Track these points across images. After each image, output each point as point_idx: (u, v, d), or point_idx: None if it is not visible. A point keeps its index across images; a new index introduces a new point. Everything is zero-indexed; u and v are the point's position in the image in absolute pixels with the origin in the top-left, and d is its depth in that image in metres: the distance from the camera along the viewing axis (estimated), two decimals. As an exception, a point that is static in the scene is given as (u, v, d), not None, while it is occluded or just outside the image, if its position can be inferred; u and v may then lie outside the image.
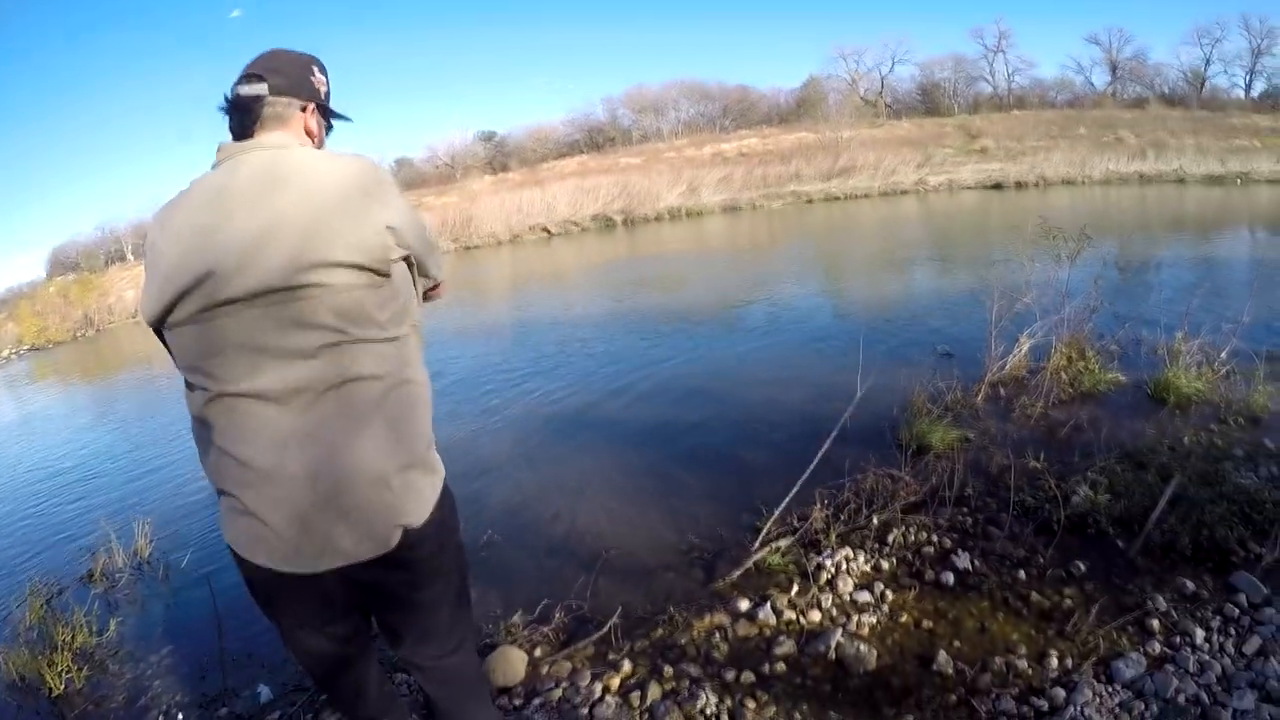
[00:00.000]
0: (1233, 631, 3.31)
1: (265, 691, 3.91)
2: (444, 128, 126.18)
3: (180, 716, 3.89)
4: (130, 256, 48.47)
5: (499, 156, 62.76)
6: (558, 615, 4.13)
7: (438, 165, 63.03)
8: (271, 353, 1.90)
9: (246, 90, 2.07)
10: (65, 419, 12.93)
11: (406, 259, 2.09)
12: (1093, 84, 61.77)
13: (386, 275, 1.96)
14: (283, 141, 2.04)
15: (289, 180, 1.91)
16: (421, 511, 2.07)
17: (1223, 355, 5.98)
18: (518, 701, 3.52)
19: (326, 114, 2.27)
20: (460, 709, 2.54)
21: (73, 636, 4.51)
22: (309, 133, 2.17)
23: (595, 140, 62.98)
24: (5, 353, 26.10)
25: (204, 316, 1.91)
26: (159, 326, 2.01)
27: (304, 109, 2.15)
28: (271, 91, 2.07)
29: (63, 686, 4.21)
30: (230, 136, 2.11)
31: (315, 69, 2.21)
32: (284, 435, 1.92)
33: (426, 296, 2.34)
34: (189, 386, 2.04)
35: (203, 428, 2.05)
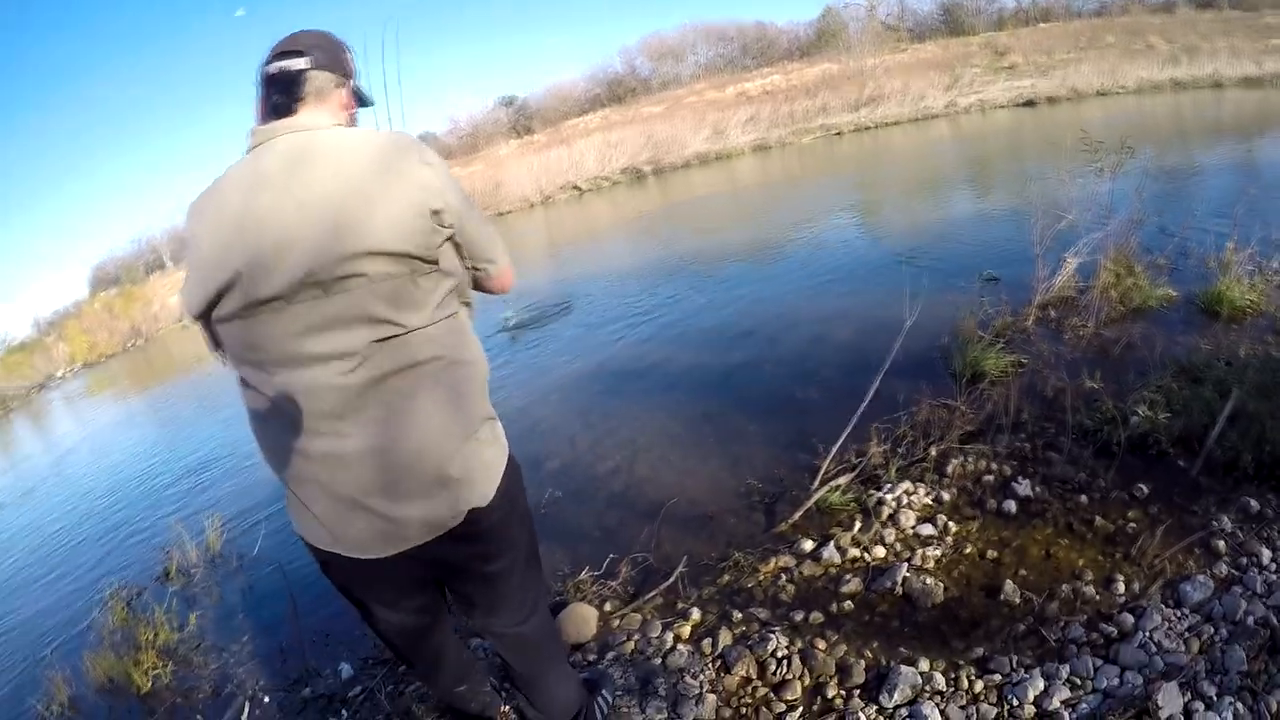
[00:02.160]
0: (1300, 549, 3.30)
1: (346, 668, 4.00)
2: (463, 98, 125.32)
3: (266, 700, 3.98)
4: (169, 263, 48.54)
5: (521, 120, 62.11)
6: (624, 569, 4.19)
7: (461, 136, 62.39)
8: (320, 345, 1.90)
9: (289, 65, 2.05)
10: (125, 428, 13.15)
11: (452, 238, 2.04)
12: (1118, -10, 60.17)
13: (434, 262, 1.94)
14: (318, 120, 2.01)
15: (321, 164, 1.88)
16: (487, 487, 2.11)
17: (1275, 264, 5.87)
18: (591, 657, 3.58)
19: (358, 96, 2.27)
20: (537, 672, 2.61)
21: (155, 634, 4.65)
22: (345, 107, 2.16)
23: (616, 93, 61.93)
24: (60, 372, 26.48)
25: (246, 313, 1.91)
26: (204, 320, 2.01)
27: (340, 85, 2.14)
28: (313, 66, 2.06)
29: (150, 684, 4.32)
30: (258, 120, 2.08)
31: (347, 49, 2.22)
32: (341, 426, 1.95)
33: (480, 286, 2.28)
34: (243, 381, 2.06)
35: (260, 422, 2.09)
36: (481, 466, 2.11)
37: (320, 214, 1.83)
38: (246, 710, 3.90)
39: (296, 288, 1.85)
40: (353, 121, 2.22)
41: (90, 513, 8.41)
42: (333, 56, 2.13)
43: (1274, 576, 3.16)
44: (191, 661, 4.55)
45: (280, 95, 2.04)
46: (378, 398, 1.94)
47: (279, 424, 2.02)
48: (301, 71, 2.05)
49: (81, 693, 4.52)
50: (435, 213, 1.92)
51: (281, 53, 2.07)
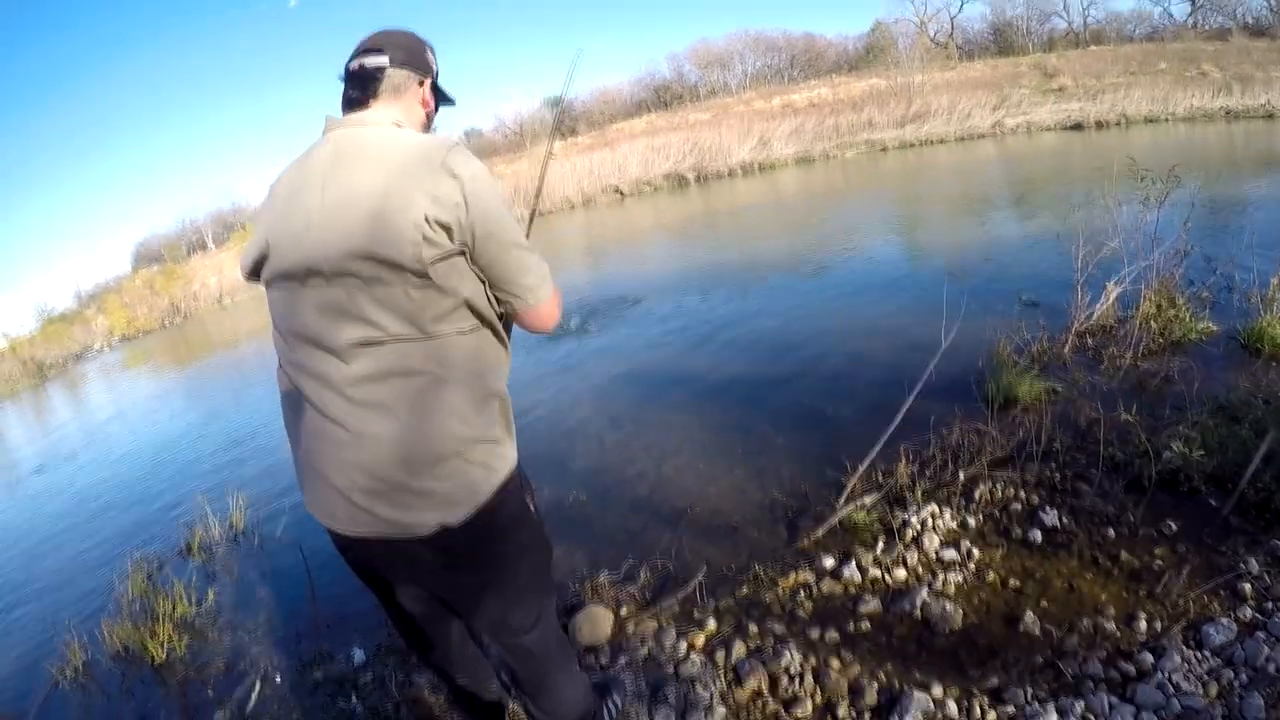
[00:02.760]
0: (1328, 599, 3.25)
1: (359, 653, 4.04)
2: (510, 96, 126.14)
3: (278, 679, 4.04)
4: (211, 245, 49.41)
5: (567, 120, 62.46)
6: (643, 574, 4.19)
7: (506, 134, 62.88)
8: (322, 332, 1.99)
9: (370, 61, 2.16)
10: (159, 402, 13.37)
11: (464, 255, 1.99)
12: (1172, 15, 59.24)
13: (422, 275, 1.91)
14: (387, 116, 2.11)
15: (359, 162, 1.96)
16: (457, 509, 2.09)
17: (1320, 302, 5.79)
18: (604, 660, 3.60)
19: (437, 93, 2.36)
20: (539, 679, 2.62)
21: (173, 607, 4.74)
22: (424, 104, 2.27)
23: (663, 98, 62.23)
24: (98, 344, 26.97)
25: (276, 284, 2.09)
26: (253, 280, 2.17)
27: (420, 83, 2.26)
28: (392, 63, 2.17)
29: (164, 655, 4.41)
30: (342, 111, 2.19)
31: (430, 49, 2.31)
32: (332, 411, 2.03)
33: (519, 320, 2.21)
34: (278, 355, 2.18)
35: (283, 397, 2.20)
36: (456, 487, 2.08)
37: (339, 209, 1.92)
38: (258, 688, 3.96)
39: (305, 272, 1.97)
40: (430, 118, 2.33)
41: (119, 483, 8.54)
42: (413, 54, 2.24)
43: (1299, 624, 3.12)
44: (207, 636, 4.63)
45: (356, 90, 2.17)
46: (361, 396, 1.99)
47: (293, 400, 2.14)
48: (380, 68, 2.16)
49: (96, 659, 4.61)
50: (440, 225, 1.89)
51: (365, 50, 2.19)
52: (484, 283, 2.07)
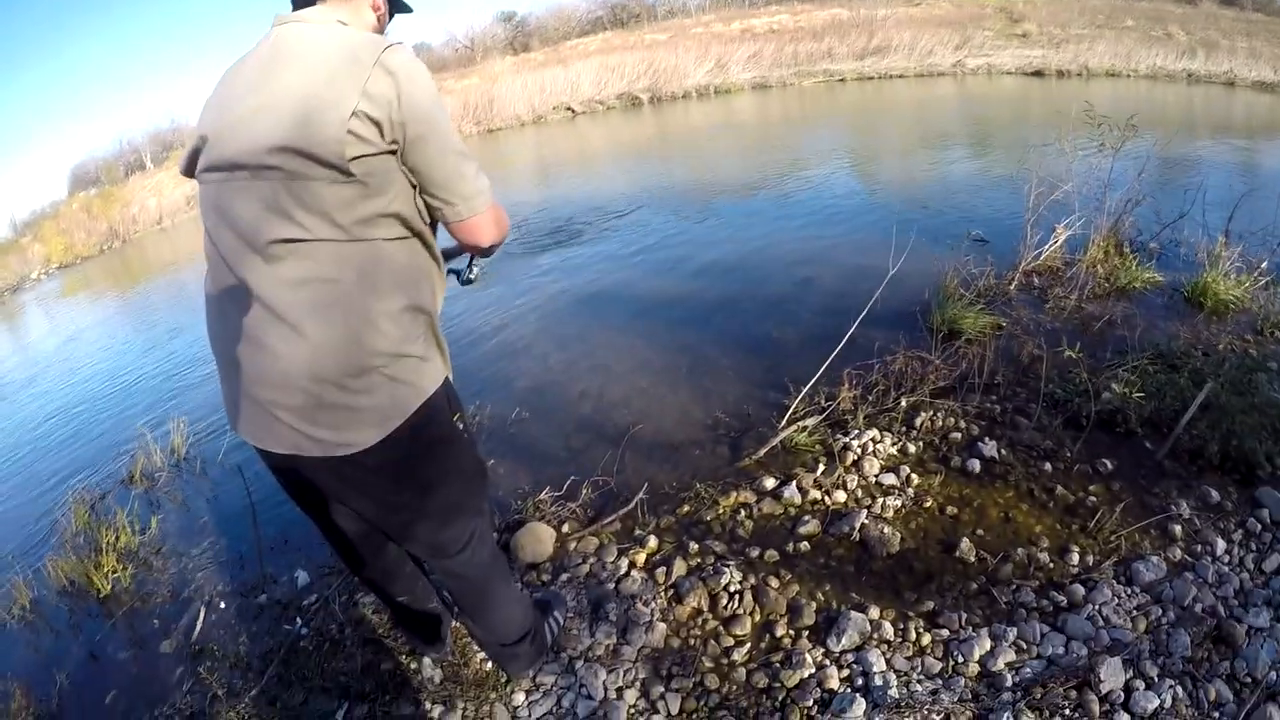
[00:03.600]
0: (1253, 546, 3.35)
1: (303, 576, 4.01)
2: (462, 10, 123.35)
3: (222, 606, 3.99)
4: (149, 165, 47.65)
5: (520, 37, 61.13)
6: (585, 491, 4.19)
7: (457, 48, 61.41)
8: (248, 232, 1.93)
9: None
10: (97, 330, 12.88)
11: (394, 154, 1.92)
12: (1143, -27, 59.59)
13: (345, 172, 1.85)
14: (332, 15, 2.03)
15: (295, 57, 1.90)
16: (364, 432, 2.04)
17: (1263, 265, 5.85)
18: (545, 577, 3.62)
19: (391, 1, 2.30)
20: (480, 599, 2.62)
21: (116, 538, 4.64)
22: (375, 8, 2.20)
23: (619, 17, 60.96)
24: (35, 273, 25.93)
25: (206, 176, 2.00)
26: (189, 175, 2.10)
27: None
28: None
29: (110, 587, 4.32)
30: (291, 8, 2.13)
31: None
32: (250, 314, 1.97)
33: (452, 231, 2.15)
34: (206, 259, 2.11)
35: (206, 304, 2.13)
36: (378, 402, 2.03)
37: (271, 102, 1.86)
38: (203, 615, 3.92)
39: (234, 165, 1.91)
40: (381, 23, 2.26)
41: (57, 414, 8.28)
42: None
43: (1225, 568, 3.22)
44: (151, 565, 4.54)
45: None
46: (282, 302, 1.93)
47: (218, 306, 2.07)
48: None
49: (42, 595, 4.49)
50: (370, 120, 1.83)
51: None
52: (415, 189, 2.01)
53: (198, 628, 3.86)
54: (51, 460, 6.84)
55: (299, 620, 3.70)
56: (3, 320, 18.97)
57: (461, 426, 2.33)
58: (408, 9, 2.38)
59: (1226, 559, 3.28)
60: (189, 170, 2.08)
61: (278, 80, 1.87)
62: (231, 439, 5.78)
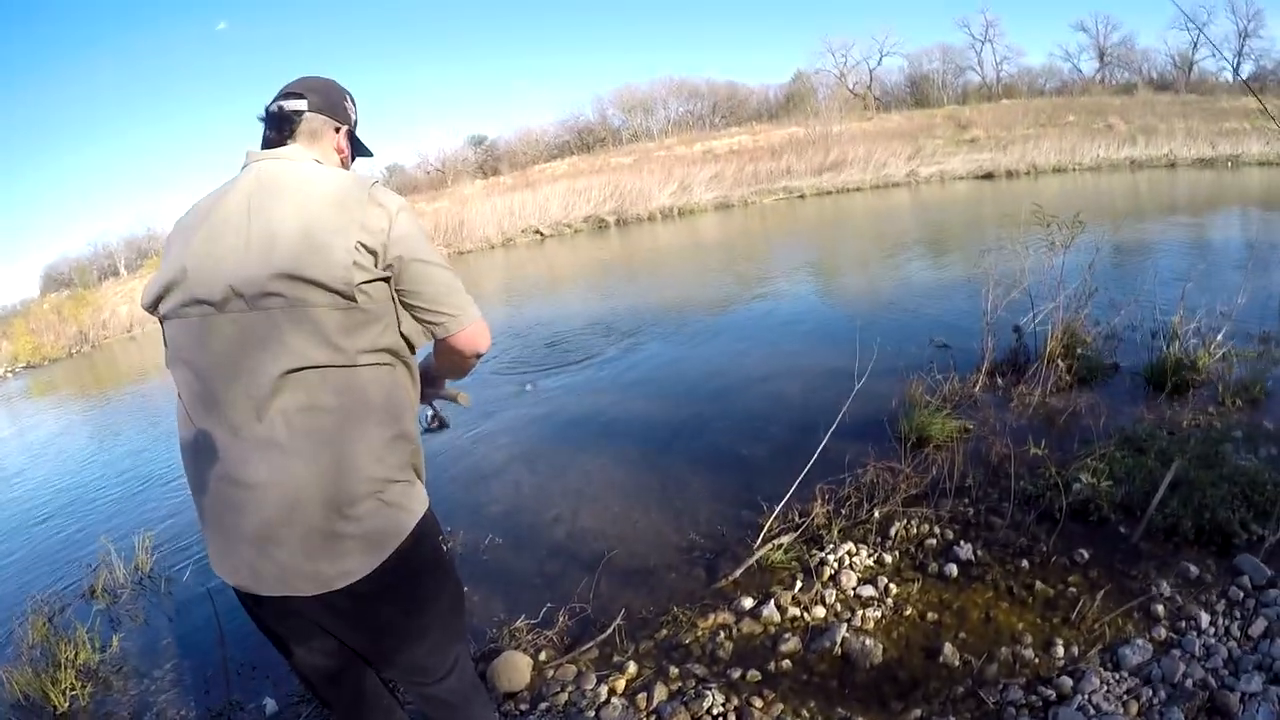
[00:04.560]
0: (1238, 614, 3.32)
1: (270, 704, 3.89)
2: (434, 133, 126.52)
3: (186, 731, 3.87)
4: (124, 271, 48.16)
5: (489, 160, 62.69)
6: (561, 618, 4.11)
7: (429, 171, 62.98)
8: (240, 364, 1.93)
9: (289, 105, 2.22)
10: (63, 436, 12.79)
11: (388, 281, 2.01)
12: (1081, 71, 61.62)
13: (350, 298, 1.91)
14: (304, 154, 2.14)
15: (283, 191, 1.98)
16: (355, 564, 2.02)
17: (1219, 338, 5.95)
18: (524, 707, 3.52)
19: (354, 143, 2.42)
20: None
21: (75, 653, 4.50)
22: (339, 150, 2.32)
23: (585, 141, 62.81)
24: (1, 371, 26.01)
25: (184, 311, 2.00)
26: (152, 312, 2.10)
27: (336, 130, 2.32)
28: (310, 108, 2.23)
29: (67, 704, 4.19)
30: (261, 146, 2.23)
31: (349, 99, 2.41)
32: (242, 456, 1.95)
33: (442, 345, 2.21)
34: (179, 397, 2.09)
35: (184, 447, 2.10)
36: (373, 529, 2.03)
37: (264, 232, 1.92)
38: (164, 741, 3.81)
39: (227, 296, 1.91)
40: (345, 165, 2.37)
41: (16, 519, 8.13)
42: (330, 102, 2.31)
43: (1212, 640, 3.18)
44: (111, 684, 4.41)
45: (274, 130, 2.22)
46: (274, 436, 1.93)
47: (198, 447, 2.04)
48: (298, 112, 2.22)
49: None
50: (367, 250, 1.93)
51: (285, 94, 2.25)
52: (399, 320, 2.06)
53: (159, 755, 3.72)
54: (11, 566, 6.70)
55: (266, 751, 3.58)
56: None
57: (445, 548, 2.33)
58: (368, 153, 2.51)
59: (1212, 630, 3.24)
60: (154, 306, 2.08)
61: (274, 211, 1.94)
62: (198, 557, 5.67)
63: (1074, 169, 27.65)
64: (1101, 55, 60.12)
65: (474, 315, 2.16)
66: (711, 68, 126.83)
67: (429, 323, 2.11)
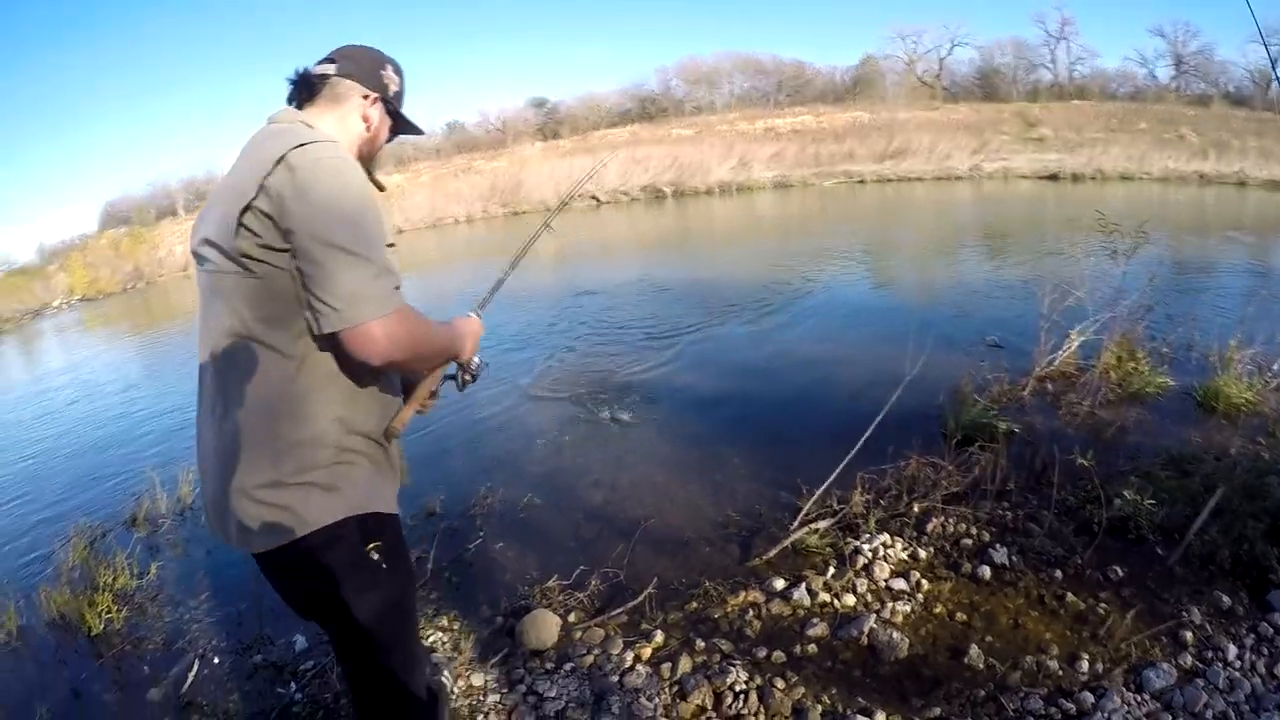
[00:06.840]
0: (1265, 651, 3.30)
1: (301, 640, 4.01)
2: (496, 93, 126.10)
3: (216, 661, 3.99)
4: (181, 212, 48.52)
5: (550, 123, 62.39)
6: (593, 582, 4.19)
7: (489, 130, 62.79)
8: (203, 316, 2.03)
9: (317, 69, 2.21)
10: (114, 368, 13.06)
11: (291, 253, 1.86)
12: (1156, 78, 59.95)
13: (242, 266, 1.86)
14: (310, 119, 2.10)
15: (244, 156, 1.99)
16: (259, 541, 2.00)
17: (1275, 367, 5.89)
18: (549, 665, 3.59)
19: (396, 117, 2.34)
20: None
21: (114, 578, 4.67)
22: (365, 119, 2.24)
23: (647, 110, 62.04)
24: (56, 302, 26.32)
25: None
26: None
27: (365, 97, 2.23)
28: (338, 73, 2.19)
29: (101, 626, 4.34)
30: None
31: (389, 67, 2.31)
32: (205, 410, 2.07)
33: (340, 341, 1.88)
34: None
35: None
36: (271, 513, 1.97)
37: (214, 198, 2.01)
38: (195, 668, 3.91)
39: (196, 253, 2.02)
40: (372, 134, 2.28)
41: (67, 447, 8.37)
42: (363, 69, 2.24)
43: (1237, 673, 3.17)
44: (146, 611, 4.56)
45: (299, 91, 2.21)
46: (221, 395, 2.00)
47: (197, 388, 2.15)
48: (323, 76, 2.19)
49: (32, 624, 4.53)
50: (263, 215, 1.82)
51: (323, 59, 2.23)
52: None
53: (189, 680, 3.86)
54: (57, 490, 6.92)
55: (293, 685, 3.69)
56: (23, 344, 19.13)
57: (376, 556, 2.13)
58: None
59: (1238, 664, 3.23)
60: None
61: (227, 178, 1.97)
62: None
63: (1141, 178, 27.01)
64: (1178, 63, 58.57)
65: (364, 315, 1.83)
66: (777, 42, 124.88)
67: (310, 310, 1.87)
